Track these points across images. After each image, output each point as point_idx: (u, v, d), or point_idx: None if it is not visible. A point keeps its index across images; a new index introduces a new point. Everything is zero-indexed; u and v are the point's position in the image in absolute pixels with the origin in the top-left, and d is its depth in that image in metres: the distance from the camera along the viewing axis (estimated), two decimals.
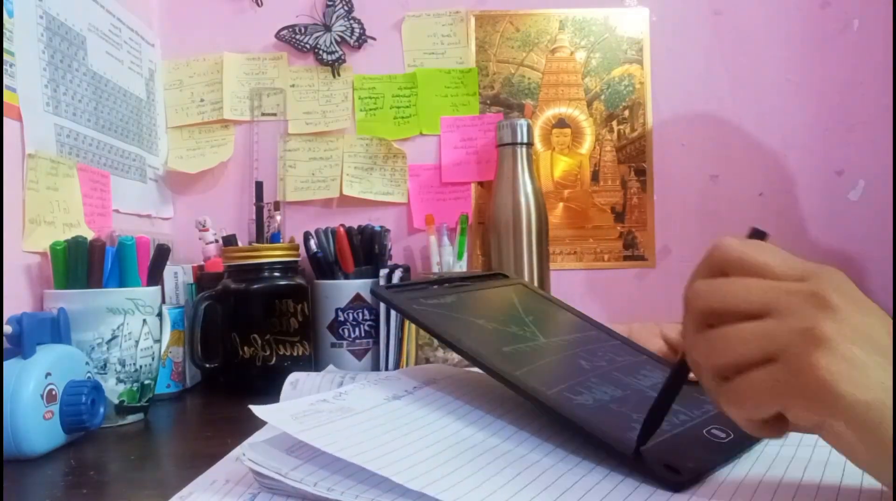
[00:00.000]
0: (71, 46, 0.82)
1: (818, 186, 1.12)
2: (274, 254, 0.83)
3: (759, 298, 0.37)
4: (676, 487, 0.40)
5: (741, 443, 0.47)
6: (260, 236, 0.92)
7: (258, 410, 0.43)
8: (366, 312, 0.91)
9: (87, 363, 0.62)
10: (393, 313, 0.90)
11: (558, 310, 0.66)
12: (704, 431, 0.48)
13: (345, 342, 0.90)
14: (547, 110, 1.12)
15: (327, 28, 1.10)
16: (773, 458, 0.46)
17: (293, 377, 0.70)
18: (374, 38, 1.10)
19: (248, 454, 0.41)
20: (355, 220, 0.99)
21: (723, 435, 0.48)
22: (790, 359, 0.35)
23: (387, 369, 0.90)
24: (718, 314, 0.38)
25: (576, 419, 0.45)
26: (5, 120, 0.68)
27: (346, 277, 0.92)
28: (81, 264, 0.66)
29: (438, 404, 0.51)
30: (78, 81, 0.83)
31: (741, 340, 0.37)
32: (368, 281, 0.91)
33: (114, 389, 0.65)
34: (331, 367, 0.87)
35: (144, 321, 0.69)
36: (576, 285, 1.11)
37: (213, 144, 1.09)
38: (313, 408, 0.46)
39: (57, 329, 0.61)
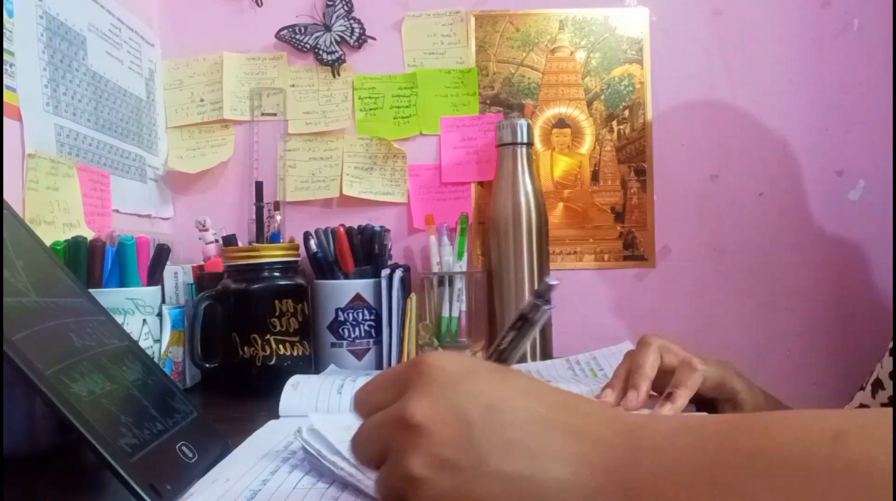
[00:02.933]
0: (71, 46, 0.82)
1: (818, 186, 1.12)
2: (274, 254, 0.83)
3: (375, 446, 0.34)
4: None
5: (205, 464, 0.46)
6: (260, 236, 0.92)
7: (316, 420, 0.47)
8: (366, 312, 0.91)
9: None
10: (394, 313, 0.90)
11: (47, 260, 0.55)
12: (176, 447, 0.46)
13: (345, 342, 0.90)
14: (547, 110, 1.12)
15: (327, 28, 1.10)
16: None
17: (294, 379, 0.70)
18: (374, 38, 1.10)
19: (304, 434, 0.46)
20: (355, 220, 0.99)
21: (190, 455, 0.46)
22: None
23: (388, 368, 0.90)
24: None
25: (73, 417, 0.39)
26: (5, 120, 0.68)
27: (346, 277, 0.92)
28: (81, 264, 0.66)
29: None
30: (78, 81, 0.83)
31: (379, 485, 0.34)
32: (368, 281, 0.91)
33: None
34: (332, 367, 0.87)
35: (144, 321, 0.69)
36: (576, 285, 1.11)
37: (213, 144, 1.09)
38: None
39: None
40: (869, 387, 0.78)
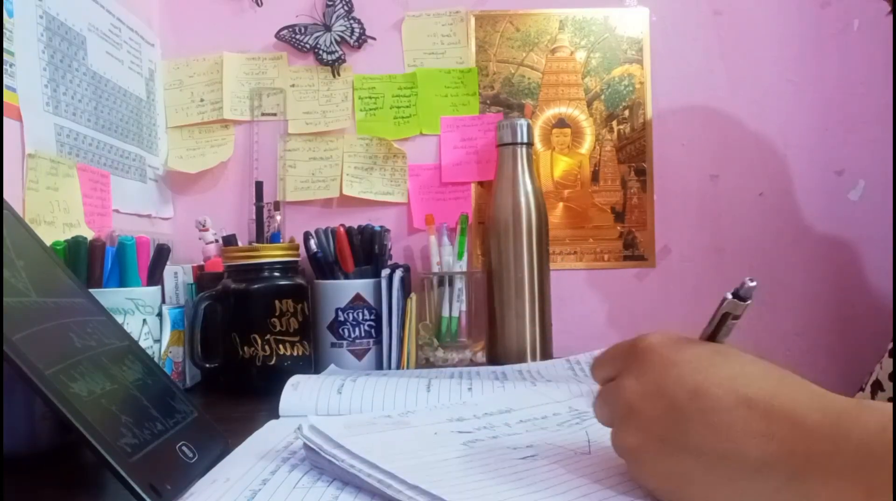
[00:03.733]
0: (71, 46, 0.82)
1: (818, 187, 1.12)
2: (274, 254, 0.83)
3: (601, 414, 0.42)
4: None
5: (205, 464, 0.46)
6: (260, 236, 0.92)
7: (315, 420, 0.47)
8: (366, 312, 0.91)
9: None
10: (394, 313, 0.90)
11: (48, 260, 0.55)
12: (176, 447, 0.46)
13: (345, 342, 0.90)
14: (547, 110, 1.12)
15: (327, 28, 1.10)
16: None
17: (294, 379, 0.70)
18: (374, 38, 1.10)
19: (304, 430, 0.46)
20: (355, 220, 0.99)
21: (191, 455, 0.46)
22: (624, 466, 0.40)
23: (389, 368, 0.90)
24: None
25: (73, 416, 0.39)
26: (5, 120, 0.68)
27: (346, 277, 0.92)
28: (81, 264, 0.66)
29: (501, 434, 0.51)
30: (78, 81, 0.83)
31: (613, 445, 0.40)
32: (368, 281, 0.91)
33: None
34: (332, 367, 0.87)
35: (144, 321, 0.69)
36: (576, 285, 1.11)
37: (213, 144, 1.09)
38: (369, 421, 0.49)
39: None
40: (868, 388, 0.78)
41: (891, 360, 0.75)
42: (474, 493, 0.39)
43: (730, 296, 0.40)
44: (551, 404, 0.61)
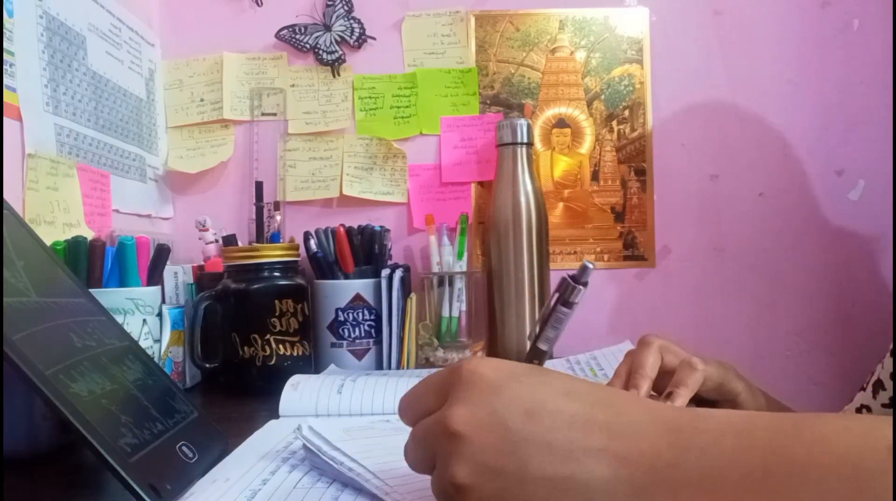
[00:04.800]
0: (71, 46, 0.82)
1: (818, 186, 1.12)
2: (274, 254, 0.83)
3: (421, 452, 0.36)
4: None
5: (205, 464, 0.46)
6: (260, 236, 0.92)
7: (315, 422, 0.47)
8: (366, 312, 0.91)
9: None
10: (394, 313, 0.90)
11: (48, 260, 0.55)
12: (176, 447, 0.46)
13: (345, 342, 0.90)
14: (547, 110, 1.12)
15: (327, 28, 1.10)
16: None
17: (294, 379, 0.70)
18: (374, 38, 1.10)
19: (304, 431, 0.47)
20: (355, 220, 0.99)
21: (191, 455, 0.46)
22: None
23: (389, 368, 0.90)
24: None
25: (73, 416, 0.39)
26: (5, 120, 0.68)
27: (346, 277, 0.92)
28: (81, 264, 0.66)
29: None
30: (78, 81, 0.83)
31: (433, 490, 0.35)
32: (368, 281, 0.91)
33: None
34: (332, 367, 0.87)
35: (144, 320, 0.69)
36: None
37: (213, 144, 1.09)
38: (369, 424, 0.49)
39: None
40: (870, 388, 0.77)
41: (892, 359, 0.75)
42: None
43: (570, 281, 0.39)
44: None
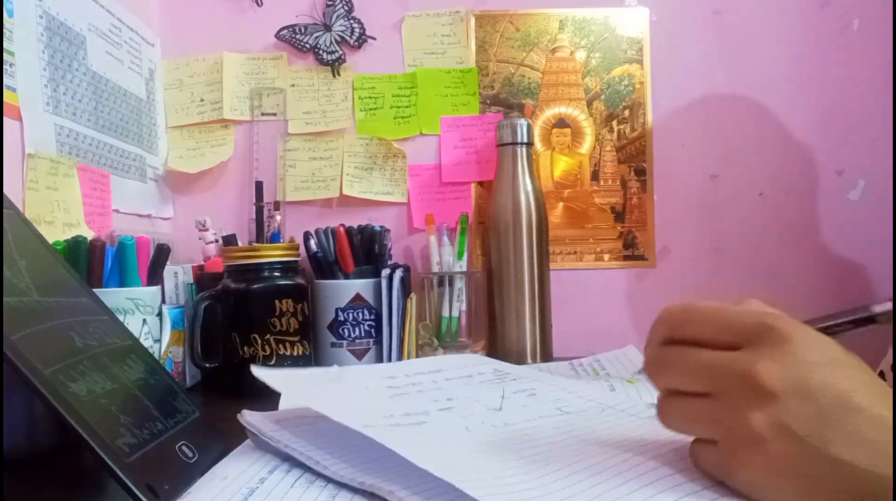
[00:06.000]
0: (71, 46, 0.82)
1: (818, 187, 1.12)
2: (274, 254, 0.83)
3: (699, 381, 0.37)
4: None
5: (206, 464, 0.46)
6: (260, 236, 0.92)
7: (257, 371, 0.51)
8: (366, 311, 0.91)
9: None
10: (394, 313, 0.90)
11: (51, 259, 0.54)
12: (176, 447, 0.46)
13: (345, 342, 0.90)
14: (547, 110, 1.12)
15: (327, 28, 1.10)
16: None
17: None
18: (374, 38, 1.10)
19: (245, 415, 0.50)
20: (355, 220, 0.99)
21: (191, 455, 0.46)
22: (726, 450, 0.36)
23: None
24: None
25: (71, 416, 0.39)
26: (5, 120, 0.68)
27: (346, 277, 0.92)
28: (81, 264, 0.66)
29: (430, 388, 0.55)
30: (78, 81, 0.83)
31: (688, 412, 0.38)
32: (368, 281, 0.91)
33: None
34: (335, 367, 0.87)
35: (144, 320, 0.69)
36: (576, 285, 1.11)
37: (213, 144, 1.09)
38: (308, 374, 0.54)
39: None
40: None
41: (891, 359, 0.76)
42: (392, 433, 0.44)
43: (890, 305, 0.39)
44: (479, 365, 0.67)
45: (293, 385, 0.50)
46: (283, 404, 0.54)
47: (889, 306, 0.38)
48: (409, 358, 0.90)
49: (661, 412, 0.40)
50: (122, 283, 0.68)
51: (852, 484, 0.32)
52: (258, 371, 0.51)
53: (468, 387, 0.59)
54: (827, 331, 0.39)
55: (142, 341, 0.68)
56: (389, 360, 0.90)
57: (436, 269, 1.00)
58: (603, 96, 1.12)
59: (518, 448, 0.45)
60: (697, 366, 0.37)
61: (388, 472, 0.41)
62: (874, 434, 0.33)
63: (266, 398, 0.69)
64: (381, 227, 0.97)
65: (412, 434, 0.45)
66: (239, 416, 0.49)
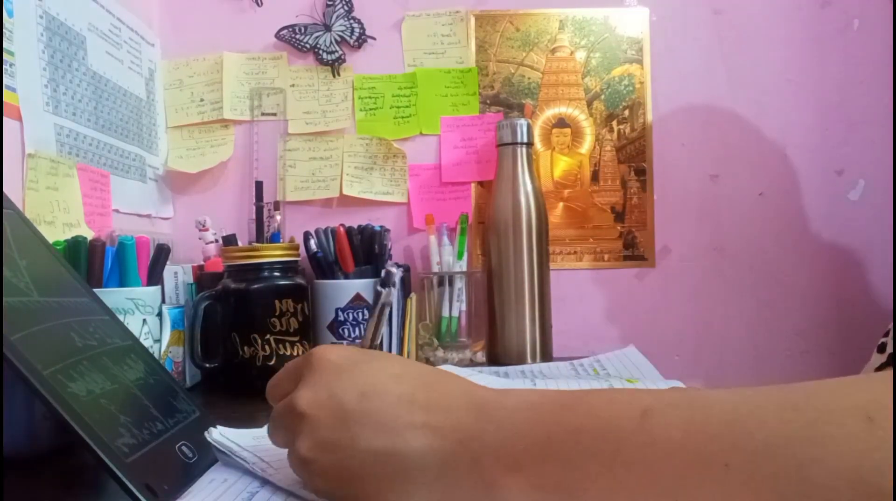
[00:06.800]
0: (71, 46, 0.82)
1: (818, 186, 1.12)
2: (274, 254, 0.83)
3: (278, 433, 0.41)
4: None
5: (205, 464, 0.47)
6: (260, 236, 0.92)
7: (224, 431, 0.48)
8: (366, 312, 0.91)
9: None
10: (394, 313, 0.90)
11: (51, 259, 0.54)
12: (176, 447, 0.46)
13: (345, 342, 0.90)
14: (547, 110, 1.12)
15: (327, 28, 1.10)
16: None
17: None
18: (374, 38, 1.10)
19: (212, 434, 0.47)
20: (355, 220, 0.99)
21: (190, 455, 0.46)
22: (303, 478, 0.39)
23: None
24: None
25: (69, 415, 0.39)
26: (5, 120, 0.68)
27: (346, 277, 0.92)
28: (81, 264, 0.66)
29: None
30: (78, 81, 0.83)
31: (291, 466, 0.40)
32: (368, 281, 0.91)
33: None
34: None
35: (144, 320, 0.69)
36: (576, 285, 1.11)
37: (213, 144, 1.09)
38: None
39: None
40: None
41: (879, 355, 0.76)
42: None
43: (382, 289, 0.44)
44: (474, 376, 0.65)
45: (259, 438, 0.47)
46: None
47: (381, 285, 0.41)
48: (408, 358, 0.90)
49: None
50: (122, 283, 0.68)
51: (391, 470, 0.35)
52: (217, 436, 0.48)
53: None
54: (372, 345, 0.42)
55: (142, 341, 0.68)
56: None
57: (436, 269, 1.00)
58: (603, 96, 1.12)
59: None
60: (271, 421, 0.41)
61: None
62: (391, 415, 0.36)
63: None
64: (381, 227, 0.97)
65: None
66: (206, 434, 0.47)
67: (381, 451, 0.35)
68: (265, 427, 0.42)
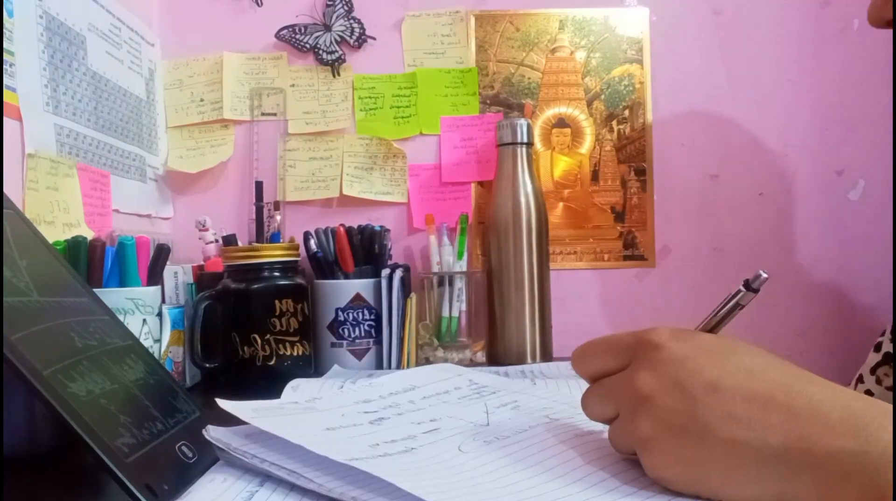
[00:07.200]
0: (71, 46, 0.82)
1: (818, 186, 1.12)
2: (274, 254, 0.83)
3: (607, 408, 0.42)
4: None
5: (205, 464, 0.46)
6: (260, 236, 0.92)
7: (224, 404, 0.48)
8: (366, 311, 0.91)
9: None
10: (394, 313, 0.90)
11: (51, 259, 0.54)
12: (176, 447, 0.46)
13: (345, 342, 0.90)
14: (547, 110, 1.12)
15: (327, 28, 1.10)
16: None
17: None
18: (374, 38, 1.10)
19: (210, 431, 0.46)
20: (355, 220, 0.99)
21: (190, 455, 0.46)
22: (640, 455, 0.39)
23: (389, 368, 0.90)
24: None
25: (69, 415, 0.39)
26: (5, 120, 0.68)
27: (346, 277, 0.92)
28: (81, 264, 0.66)
29: (406, 410, 0.53)
30: (78, 81, 0.83)
31: (612, 437, 0.42)
32: (368, 281, 0.91)
33: None
34: (336, 368, 0.87)
35: (144, 320, 0.69)
36: (575, 285, 1.11)
37: (213, 144, 1.09)
38: (278, 405, 0.51)
39: None
40: (854, 382, 0.79)
41: (875, 354, 0.76)
42: (380, 462, 0.41)
43: (743, 288, 0.43)
44: (453, 378, 0.65)
45: (263, 415, 0.48)
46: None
47: (760, 273, 0.43)
48: (408, 358, 0.90)
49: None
50: (122, 283, 0.68)
51: (739, 460, 0.35)
52: (225, 403, 0.48)
53: (447, 405, 0.57)
54: (710, 329, 0.43)
55: (142, 341, 0.68)
56: (389, 360, 0.90)
57: (436, 269, 1.00)
58: (603, 96, 1.12)
59: (519, 459, 0.44)
60: (595, 396, 0.43)
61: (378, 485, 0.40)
62: (744, 410, 0.35)
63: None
64: (381, 227, 0.97)
65: (404, 465, 0.43)
66: (204, 431, 0.47)
67: (735, 442, 0.35)
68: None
